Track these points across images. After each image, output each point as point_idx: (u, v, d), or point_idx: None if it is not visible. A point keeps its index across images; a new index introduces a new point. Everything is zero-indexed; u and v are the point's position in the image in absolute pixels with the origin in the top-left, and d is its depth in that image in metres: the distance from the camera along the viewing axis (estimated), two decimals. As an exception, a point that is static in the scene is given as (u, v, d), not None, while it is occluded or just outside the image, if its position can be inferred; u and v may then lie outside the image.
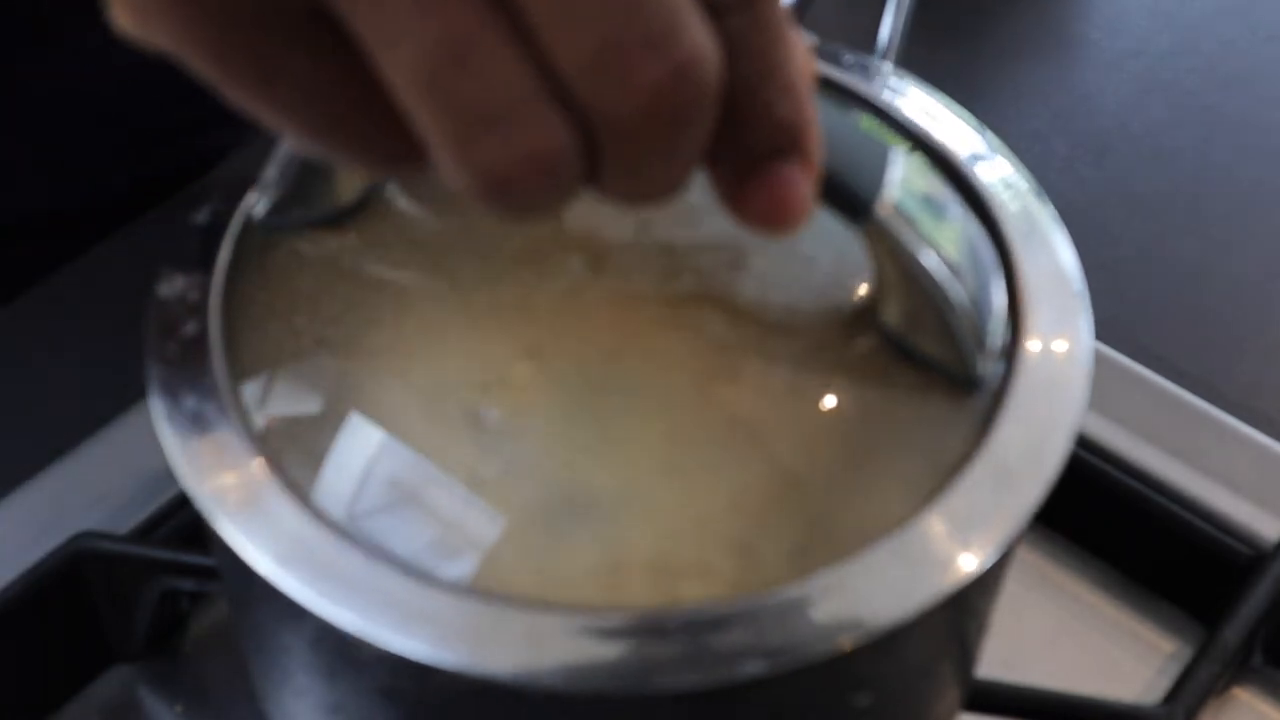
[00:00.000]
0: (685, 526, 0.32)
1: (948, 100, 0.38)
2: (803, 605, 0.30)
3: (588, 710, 0.31)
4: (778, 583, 0.30)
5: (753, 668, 0.29)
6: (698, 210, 0.30)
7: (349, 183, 0.36)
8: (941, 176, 0.36)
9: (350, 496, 0.32)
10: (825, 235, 0.34)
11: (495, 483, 0.32)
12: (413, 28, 0.24)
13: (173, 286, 0.34)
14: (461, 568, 0.31)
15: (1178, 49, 0.67)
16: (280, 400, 0.33)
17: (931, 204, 0.34)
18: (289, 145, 0.35)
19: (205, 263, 0.35)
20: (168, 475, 0.48)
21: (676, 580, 0.31)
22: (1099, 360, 0.51)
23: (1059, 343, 0.34)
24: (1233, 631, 0.45)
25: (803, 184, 0.28)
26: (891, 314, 0.34)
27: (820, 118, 0.28)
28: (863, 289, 0.35)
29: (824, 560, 0.31)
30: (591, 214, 0.35)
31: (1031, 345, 0.34)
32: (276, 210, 0.35)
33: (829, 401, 0.34)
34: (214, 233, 0.35)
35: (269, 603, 0.32)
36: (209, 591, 0.48)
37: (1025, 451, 0.32)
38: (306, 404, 0.33)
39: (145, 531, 0.47)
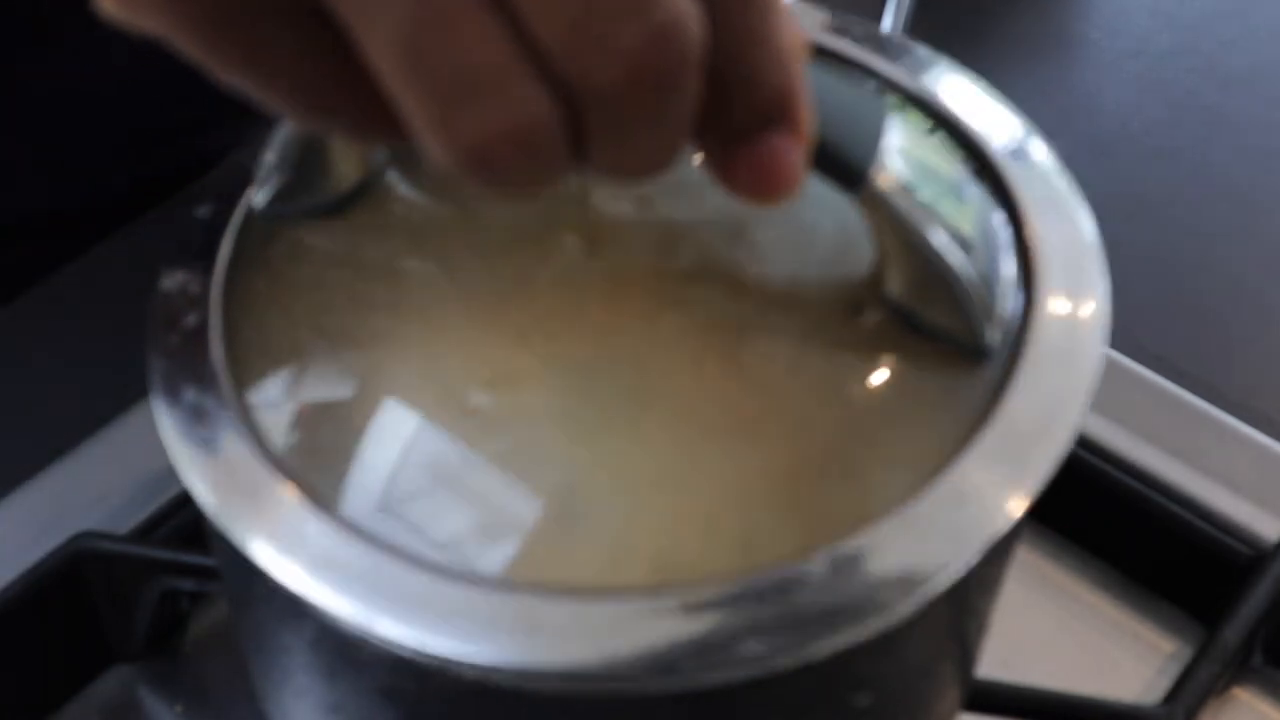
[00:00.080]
0: (688, 515, 0.31)
1: (960, 67, 0.38)
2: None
3: (588, 710, 0.31)
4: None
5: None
6: (699, 185, 0.30)
7: (347, 170, 0.36)
8: (950, 141, 0.36)
9: (354, 487, 0.32)
10: (830, 205, 0.33)
11: (496, 471, 0.32)
12: (389, 2, 0.24)
13: (174, 279, 0.34)
14: (465, 557, 0.31)
15: (1178, 49, 0.67)
16: (280, 392, 0.33)
17: (935, 170, 0.33)
18: (285, 122, 0.35)
19: (207, 255, 0.35)
20: (168, 475, 0.48)
21: (679, 573, 0.30)
22: (1099, 360, 0.52)
23: (1073, 309, 0.34)
24: (1233, 631, 0.45)
25: (793, 154, 0.27)
26: (895, 284, 0.33)
27: (813, 84, 0.28)
28: (868, 259, 0.34)
29: (831, 543, 0.30)
30: (591, 193, 0.35)
31: (1044, 312, 0.33)
32: (276, 200, 0.35)
33: (834, 377, 0.33)
34: (215, 225, 0.35)
35: (269, 602, 0.32)
36: (209, 591, 0.48)
37: (1036, 422, 0.32)
38: (306, 395, 0.33)
39: (145, 531, 0.47)
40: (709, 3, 0.25)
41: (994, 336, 0.33)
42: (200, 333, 0.33)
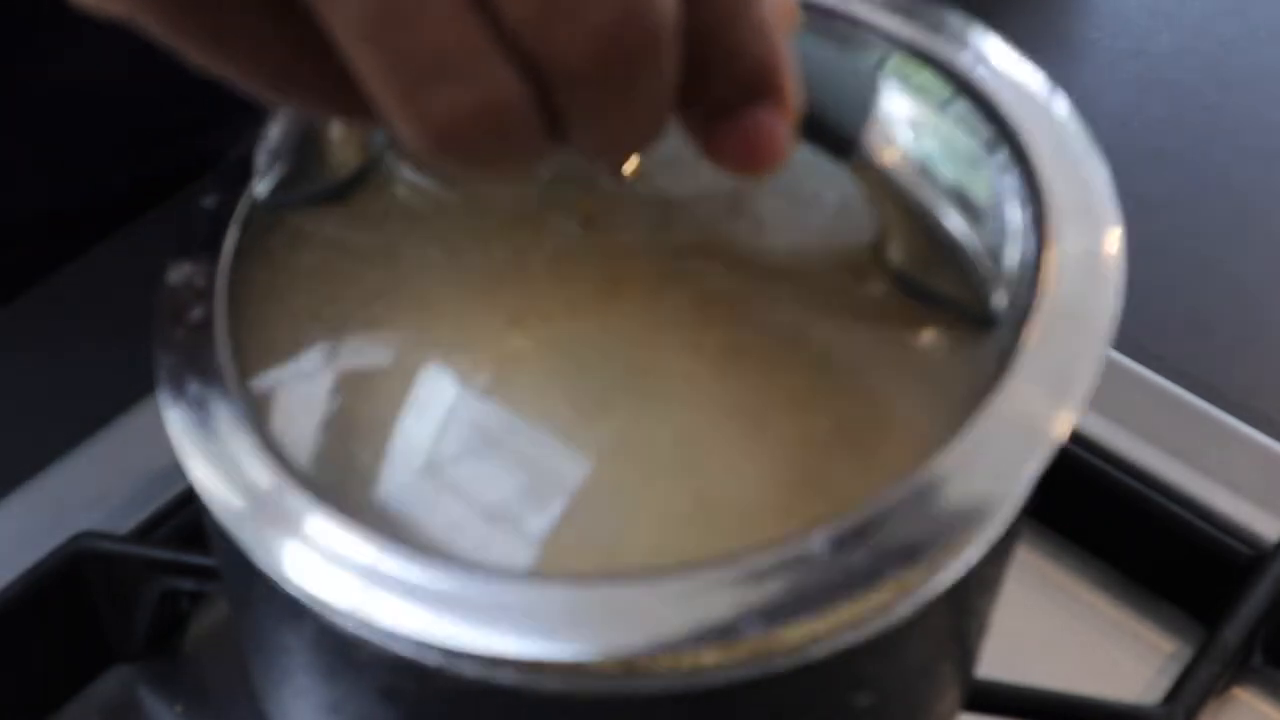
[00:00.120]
0: (687, 501, 0.31)
1: (980, 24, 0.37)
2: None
3: (588, 710, 0.31)
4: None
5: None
6: (695, 158, 0.30)
7: (347, 157, 0.35)
8: (965, 100, 0.35)
9: (358, 478, 0.31)
10: (831, 174, 0.32)
11: (498, 456, 0.32)
12: None
13: (179, 273, 0.34)
14: (467, 545, 0.30)
15: (1178, 49, 0.67)
16: (284, 384, 0.33)
17: (941, 132, 0.33)
18: (281, 111, 0.35)
19: (211, 247, 0.35)
20: (168, 475, 0.48)
21: (686, 554, 0.30)
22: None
23: (1085, 269, 0.32)
24: (1233, 631, 0.45)
25: (778, 127, 0.27)
26: (896, 252, 0.33)
27: (802, 53, 0.27)
28: (871, 228, 0.33)
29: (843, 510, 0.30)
30: (586, 170, 0.34)
31: (1055, 273, 0.32)
32: (278, 189, 0.35)
33: (839, 349, 0.33)
34: (219, 217, 0.35)
35: (269, 602, 0.32)
36: (209, 591, 0.48)
37: (1049, 386, 0.31)
38: (309, 387, 0.33)
39: (145, 531, 0.47)
40: None
41: (1000, 301, 0.32)
42: (206, 327, 0.33)
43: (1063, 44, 0.67)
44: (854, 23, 0.37)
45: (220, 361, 0.33)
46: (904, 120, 0.32)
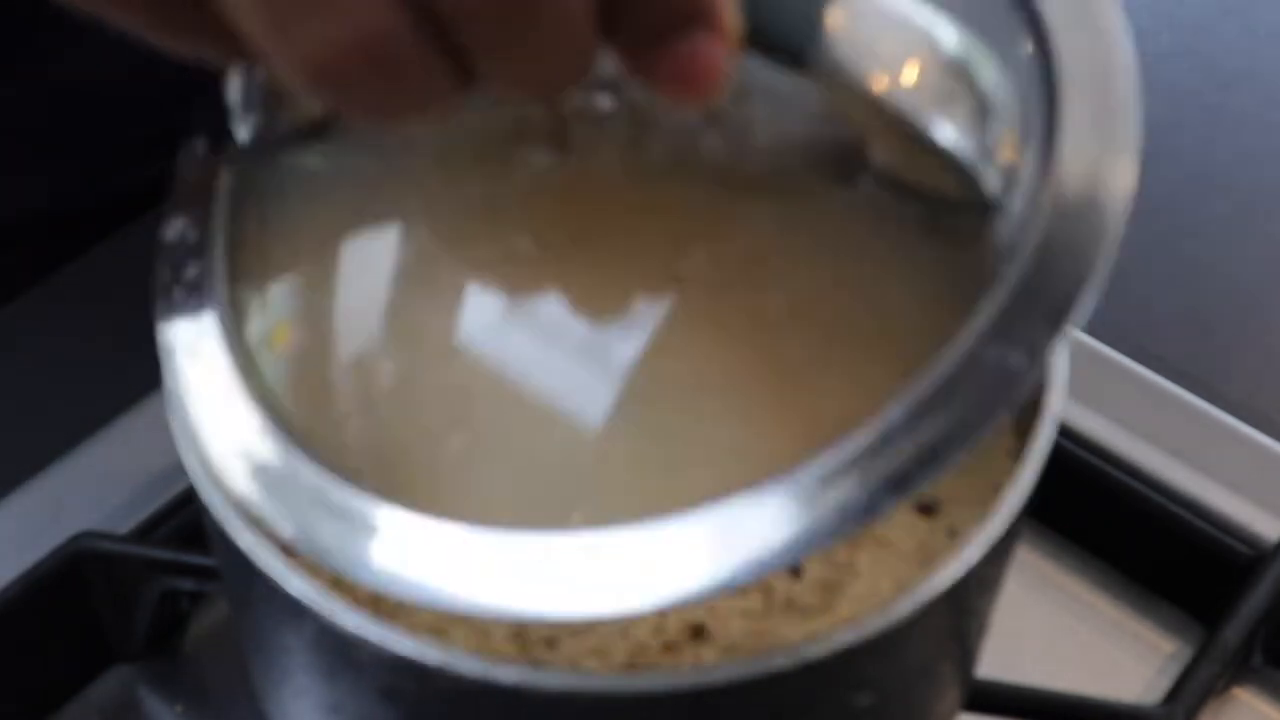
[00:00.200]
0: (677, 440, 0.30)
1: None
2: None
3: (588, 710, 0.31)
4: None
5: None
6: None
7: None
8: None
9: (348, 434, 0.31)
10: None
11: (476, 401, 0.31)
12: None
13: (174, 229, 0.33)
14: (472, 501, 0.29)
15: (1178, 49, 0.67)
16: (280, 340, 0.32)
17: (925, 13, 0.30)
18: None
19: (202, 200, 0.34)
20: (168, 475, 0.48)
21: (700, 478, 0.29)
22: (1097, 360, 0.52)
23: (1093, 150, 0.29)
24: (1233, 631, 0.45)
25: (714, 54, 0.25)
26: (880, 152, 0.31)
27: None
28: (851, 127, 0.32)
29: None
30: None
31: (1059, 157, 0.29)
32: (257, 135, 0.34)
33: (830, 253, 0.31)
34: (207, 166, 0.35)
35: (269, 602, 0.32)
36: (209, 591, 0.48)
37: (1052, 283, 0.28)
38: (302, 343, 0.32)
39: (145, 531, 0.47)
40: None
41: (994, 186, 0.30)
42: (204, 282, 0.32)
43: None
44: None
45: (222, 320, 0.32)
46: (873, 14, 0.30)
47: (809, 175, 0.32)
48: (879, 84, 0.30)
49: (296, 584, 0.31)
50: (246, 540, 0.31)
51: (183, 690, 0.47)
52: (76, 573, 0.45)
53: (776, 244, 0.31)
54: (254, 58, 0.24)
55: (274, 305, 0.33)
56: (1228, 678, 0.47)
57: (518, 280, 0.32)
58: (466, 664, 0.30)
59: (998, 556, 0.34)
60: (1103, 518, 0.50)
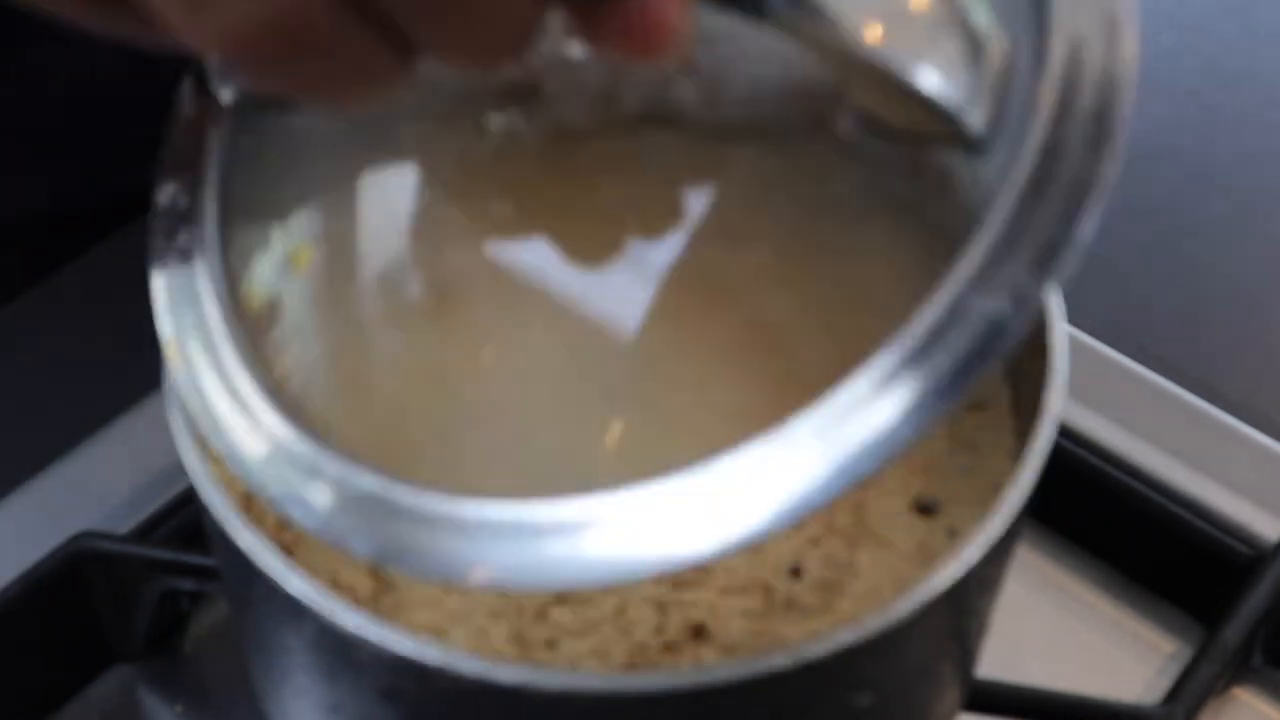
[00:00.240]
0: (660, 401, 0.29)
1: None
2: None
3: (588, 710, 0.31)
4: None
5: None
6: None
7: None
8: None
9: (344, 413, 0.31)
10: None
11: (454, 367, 0.30)
12: None
13: (166, 194, 0.33)
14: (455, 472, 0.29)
15: (1178, 49, 0.67)
16: (273, 316, 0.32)
17: None
18: None
19: (195, 164, 0.33)
20: (168, 475, 0.48)
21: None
22: (1097, 359, 0.52)
23: (1092, 64, 0.27)
24: (1233, 631, 0.45)
25: (667, 8, 0.24)
26: (860, 95, 0.30)
27: None
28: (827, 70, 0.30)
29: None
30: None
31: (1053, 72, 0.27)
32: (240, 98, 0.33)
33: (816, 201, 0.30)
34: (195, 129, 0.34)
35: (269, 602, 0.32)
36: (209, 591, 0.48)
37: (1046, 222, 0.26)
38: (293, 318, 0.32)
39: (145, 531, 0.47)
40: None
41: (978, 120, 0.28)
42: (197, 243, 0.32)
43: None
44: None
45: (213, 278, 0.31)
46: None
47: (787, 119, 0.31)
48: (856, 37, 0.29)
49: (296, 584, 0.31)
50: (246, 540, 0.31)
51: (183, 690, 0.47)
52: (76, 573, 0.45)
53: (755, 195, 0.30)
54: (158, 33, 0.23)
55: (263, 271, 0.32)
56: (1228, 678, 0.47)
57: (498, 241, 0.31)
58: (466, 664, 0.30)
59: (998, 556, 0.34)
60: (1103, 518, 0.50)
